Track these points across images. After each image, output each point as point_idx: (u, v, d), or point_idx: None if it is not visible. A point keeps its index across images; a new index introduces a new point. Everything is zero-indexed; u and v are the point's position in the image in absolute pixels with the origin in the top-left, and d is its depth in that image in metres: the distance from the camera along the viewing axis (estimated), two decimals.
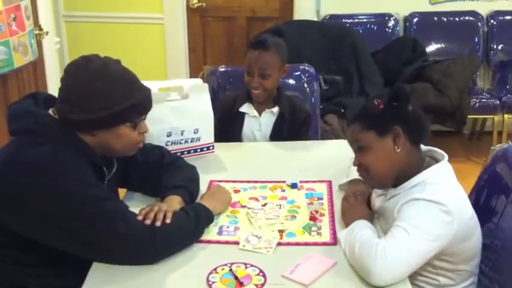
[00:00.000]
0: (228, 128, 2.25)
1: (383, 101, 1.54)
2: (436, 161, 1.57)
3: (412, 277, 1.47)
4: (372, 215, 1.62)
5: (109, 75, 1.47)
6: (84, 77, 1.45)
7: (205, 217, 1.56)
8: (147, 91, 1.55)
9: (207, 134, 2.05)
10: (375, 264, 1.34)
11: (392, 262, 1.35)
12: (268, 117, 2.31)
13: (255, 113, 2.30)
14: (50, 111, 1.52)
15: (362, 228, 1.49)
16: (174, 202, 1.59)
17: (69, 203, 1.38)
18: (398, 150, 1.52)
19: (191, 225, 1.51)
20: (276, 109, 2.30)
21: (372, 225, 1.53)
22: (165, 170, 1.73)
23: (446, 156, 1.58)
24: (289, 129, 2.26)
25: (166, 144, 1.98)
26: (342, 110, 3.36)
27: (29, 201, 1.38)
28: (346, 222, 1.57)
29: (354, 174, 1.70)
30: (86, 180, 1.43)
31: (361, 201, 1.64)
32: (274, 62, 2.22)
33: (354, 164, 1.61)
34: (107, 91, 1.45)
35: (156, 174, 1.71)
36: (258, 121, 2.31)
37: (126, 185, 1.80)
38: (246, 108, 2.31)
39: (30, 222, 1.39)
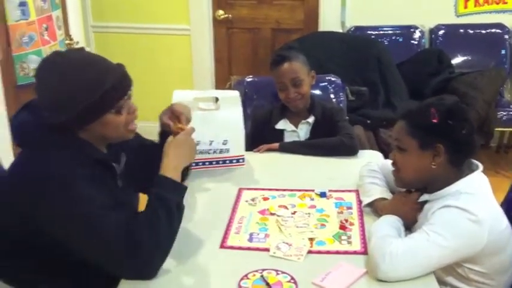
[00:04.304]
0: (262, 143, 2.27)
1: (439, 113, 1.51)
2: (471, 170, 1.57)
3: None
4: (412, 217, 1.60)
5: (74, 67, 1.41)
6: (50, 79, 1.41)
7: (176, 204, 1.46)
8: (119, 71, 1.46)
9: (237, 146, 2.07)
10: (383, 260, 1.37)
11: (401, 262, 1.37)
12: (306, 128, 2.34)
13: (292, 127, 2.34)
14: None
15: (386, 224, 1.51)
16: None
17: (70, 223, 1.37)
18: (434, 167, 1.53)
19: (169, 221, 1.42)
20: (311, 119, 2.33)
21: (400, 225, 1.54)
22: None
23: (481, 166, 1.58)
24: (327, 132, 2.26)
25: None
26: (368, 121, 3.36)
27: (35, 215, 1.39)
28: (383, 214, 1.60)
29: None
30: (83, 193, 1.38)
31: (404, 201, 1.62)
32: (301, 67, 2.29)
33: (390, 158, 1.65)
34: (75, 87, 1.39)
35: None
36: (297, 134, 2.34)
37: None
38: (282, 124, 2.35)
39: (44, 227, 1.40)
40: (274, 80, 2.34)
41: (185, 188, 1.53)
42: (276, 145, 2.24)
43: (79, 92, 1.39)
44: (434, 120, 1.50)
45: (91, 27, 4.16)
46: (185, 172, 1.60)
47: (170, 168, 1.50)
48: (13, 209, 1.43)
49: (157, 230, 1.39)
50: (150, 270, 1.40)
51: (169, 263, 1.46)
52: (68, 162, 1.41)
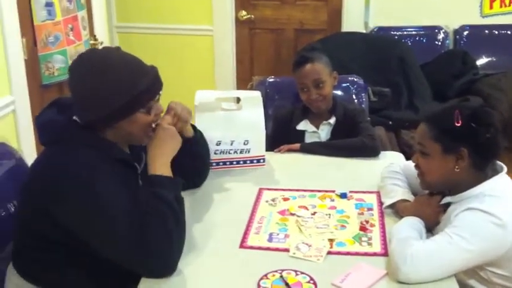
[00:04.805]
0: (283, 143, 2.27)
1: (463, 116, 1.48)
2: (496, 172, 1.55)
3: None
4: (435, 219, 1.59)
5: (111, 67, 1.45)
6: (86, 75, 1.45)
7: (175, 198, 1.48)
8: (152, 74, 1.51)
9: (258, 147, 2.08)
10: (404, 262, 1.36)
11: (422, 264, 1.36)
12: (327, 129, 2.34)
13: (313, 128, 2.34)
14: (75, 116, 1.52)
15: (407, 226, 1.51)
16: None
17: (90, 220, 1.39)
18: (457, 171, 1.52)
19: (173, 215, 1.45)
20: (333, 119, 2.32)
21: (422, 227, 1.53)
22: None
23: (505, 168, 1.57)
24: (349, 133, 2.25)
25: (215, 153, 2.03)
26: (390, 122, 3.34)
27: (57, 211, 1.42)
28: (405, 215, 1.60)
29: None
30: (102, 190, 1.40)
31: (426, 203, 1.61)
32: (323, 68, 2.28)
33: (413, 161, 1.63)
34: (110, 87, 1.43)
35: None
36: (318, 135, 2.34)
37: None
38: (303, 125, 2.35)
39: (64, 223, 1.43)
40: (295, 81, 2.34)
41: (179, 181, 1.55)
42: (297, 146, 2.24)
43: (114, 92, 1.44)
44: (458, 124, 1.48)
45: (115, 28, 4.21)
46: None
47: (158, 166, 1.52)
48: (35, 205, 1.45)
49: (165, 227, 1.41)
50: (168, 268, 1.42)
51: (188, 262, 1.48)
52: (92, 160, 1.44)
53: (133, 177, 1.58)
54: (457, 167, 1.52)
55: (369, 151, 2.16)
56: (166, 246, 1.40)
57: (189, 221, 1.69)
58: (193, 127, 1.84)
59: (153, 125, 1.57)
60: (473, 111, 1.51)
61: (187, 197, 1.85)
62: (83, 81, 1.47)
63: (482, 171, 1.53)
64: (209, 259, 1.51)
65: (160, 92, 1.55)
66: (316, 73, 2.27)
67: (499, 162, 1.58)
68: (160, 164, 1.53)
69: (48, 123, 1.53)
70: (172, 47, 4.19)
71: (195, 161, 1.81)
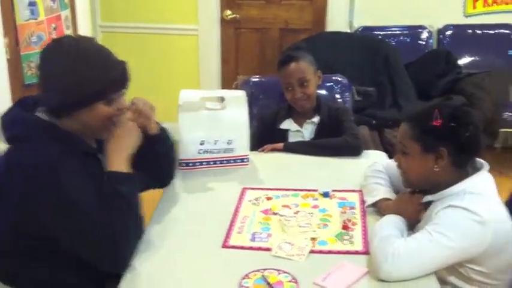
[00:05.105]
0: (268, 143, 2.27)
1: (442, 116, 1.50)
2: (477, 169, 1.57)
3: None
4: (416, 217, 1.60)
5: (82, 54, 1.48)
6: (58, 60, 1.47)
7: (132, 193, 1.52)
8: (121, 67, 1.52)
9: (242, 146, 2.08)
10: (385, 260, 1.37)
11: (403, 262, 1.37)
12: (311, 128, 2.34)
13: (297, 127, 2.35)
14: (39, 113, 1.53)
15: (389, 224, 1.52)
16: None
17: (56, 213, 1.41)
18: (437, 170, 1.53)
19: (130, 210, 1.49)
20: (316, 118, 2.34)
21: (403, 225, 1.54)
22: None
23: (486, 165, 1.58)
24: (333, 132, 2.26)
25: (198, 152, 2.02)
26: (373, 122, 3.36)
27: (25, 206, 1.43)
28: (387, 214, 1.60)
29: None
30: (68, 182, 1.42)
31: (408, 202, 1.63)
32: (308, 67, 2.30)
33: (395, 160, 1.65)
34: (80, 71, 1.45)
35: None
36: (301, 134, 2.34)
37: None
38: (287, 124, 2.36)
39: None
40: (280, 80, 2.35)
41: (136, 177, 1.56)
42: (280, 145, 2.25)
43: (80, 79, 1.46)
44: (437, 123, 1.49)
45: (99, 27, 4.19)
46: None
47: (115, 161, 1.53)
48: (5, 204, 1.46)
49: (120, 222, 1.43)
50: (118, 263, 1.44)
51: (171, 262, 1.48)
52: (56, 153, 1.44)
53: (99, 170, 1.57)
54: (436, 166, 1.53)
55: (352, 150, 2.17)
56: (119, 242, 1.43)
57: (171, 221, 1.70)
58: (160, 125, 1.80)
59: (115, 120, 1.58)
60: (452, 111, 1.52)
61: (169, 197, 1.86)
62: (52, 63, 1.49)
63: (462, 169, 1.55)
64: (191, 259, 1.51)
65: (126, 87, 1.55)
66: (301, 72, 2.28)
67: (480, 160, 1.60)
68: (117, 159, 1.54)
69: (13, 120, 1.53)
70: (157, 47, 4.18)
71: (159, 160, 1.79)
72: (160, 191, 1.90)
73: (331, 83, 2.83)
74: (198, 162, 2.03)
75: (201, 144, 2.04)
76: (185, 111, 2.01)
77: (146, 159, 1.65)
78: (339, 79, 2.85)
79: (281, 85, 2.35)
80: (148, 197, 1.78)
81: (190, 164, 2.03)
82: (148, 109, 1.69)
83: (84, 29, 3.55)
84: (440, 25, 4.04)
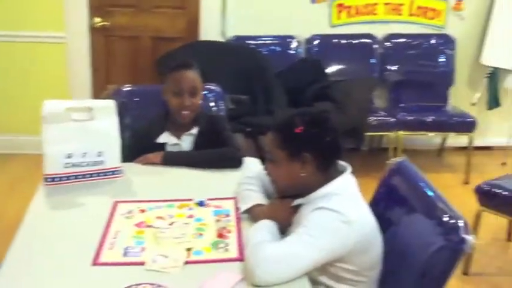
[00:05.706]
0: (143, 155, 2.20)
1: (303, 123, 1.56)
2: (341, 172, 1.64)
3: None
4: (287, 221, 1.63)
5: None
6: None
7: None
8: None
9: (112, 158, 1.99)
10: (258, 266, 1.39)
11: (275, 266, 1.40)
12: (189, 140, 2.29)
13: (175, 140, 2.28)
14: None
15: (261, 230, 1.54)
16: None
17: None
18: (303, 175, 1.58)
19: None
20: (195, 130, 2.29)
21: (275, 230, 1.57)
22: None
23: (349, 167, 1.66)
24: (211, 142, 2.22)
25: (65, 166, 1.91)
26: (248, 129, 3.41)
27: None
28: (260, 219, 1.62)
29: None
30: None
31: (279, 206, 1.66)
32: (198, 79, 2.28)
33: (264, 169, 1.69)
34: None
35: None
36: (179, 147, 2.28)
37: None
38: (164, 138, 2.28)
39: None
40: (166, 86, 2.26)
41: None
42: (157, 157, 2.18)
43: None
44: (298, 131, 1.56)
45: None
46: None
47: None
48: None
49: None
50: None
51: (38, 285, 1.38)
52: None
53: None
54: (302, 171, 1.59)
55: (235, 163, 2.17)
56: None
57: (37, 241, 1.60)
58: None
59: None
60: (312, 118, 1.60)
61: (34, 215, 1.74)
62: None
63: (327, 172, 1.62)
64: (58, 280, 1.42)
65: None
66: (193, 80, 2.25)
67: (343, 163, 1.68)
68: None
69: None
70: (18, 56, 3.93)
71: None
72: (23, 210, 1.76)
73: (205, 92, 2.81)
74: (65, 176, 1.92)
75: (68, 157, 1.92)
76: (49, 123, 1.89)
77: None
78: (212, 87, 2.84)
79: (164, 91, 2.27)
80: (10, 216, 1.65)
81: (57, 179, 1.91)
82: None
83: None
84: (308, 35, 4.21)
